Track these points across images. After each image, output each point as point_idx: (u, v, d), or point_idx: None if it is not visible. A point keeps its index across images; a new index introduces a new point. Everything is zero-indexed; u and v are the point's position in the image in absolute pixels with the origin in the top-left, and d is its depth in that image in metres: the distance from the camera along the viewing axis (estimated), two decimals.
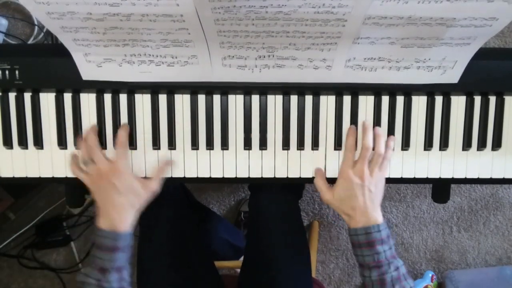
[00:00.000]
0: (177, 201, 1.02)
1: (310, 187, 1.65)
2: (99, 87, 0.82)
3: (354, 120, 0.84)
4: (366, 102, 0.84)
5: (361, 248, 0.76)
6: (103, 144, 0.83)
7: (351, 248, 0.80)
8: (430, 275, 1.64)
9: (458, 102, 0.85)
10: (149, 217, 0.98)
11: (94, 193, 0.79)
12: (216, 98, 0.83)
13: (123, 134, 0.81)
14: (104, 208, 0.77)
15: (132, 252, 0.79)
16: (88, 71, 0.78)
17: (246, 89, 0.83)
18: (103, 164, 0.78)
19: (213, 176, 0.85)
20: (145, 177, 0.84)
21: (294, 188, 1.10)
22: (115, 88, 0.82)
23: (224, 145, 0.84)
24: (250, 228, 1.06)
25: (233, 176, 0.85)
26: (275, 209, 0.98)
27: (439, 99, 0.84)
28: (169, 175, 0.85)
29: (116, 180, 0.76)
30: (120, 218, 0.76)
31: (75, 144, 0.83)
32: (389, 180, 0.86)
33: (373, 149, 0.81)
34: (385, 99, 0.84)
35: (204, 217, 1.30)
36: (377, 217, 0.77)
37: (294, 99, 0.84)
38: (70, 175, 0.84)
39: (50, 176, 0.85)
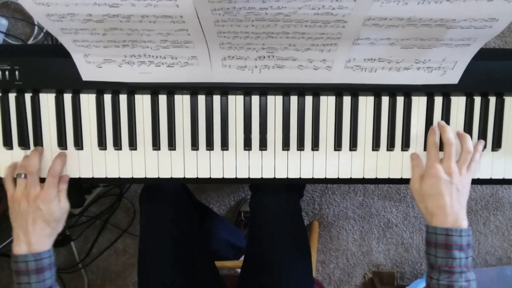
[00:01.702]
0: (179, 201, 1.02)
1: (310, 187, 1.65)
2: (99, 88, 0.82)
3: (354, 120, 0.84)
4: (366, 103, 0.84)
5: (437, 248, 0.74)
6: (103, 145, 0.83)
7: (425, 245, 0.77)
8: None
9: (458, 103, 0.85)
10: (150, 216, 0.98)
11: (13, 213, 0.79)
12: (216, 99, 0.83)
13: (58, 162, 0.81)
14: (23, 232, 0.77)
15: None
16: (88, 72, 0.78)
17: (246, 89, 0.83)
18: (34, 188, 0.77)
19: (213, 176, 0.85)
20: (145, 178, 0.85)
21: (295, 187, 1.10)
22: (115, 88, 0.82)
23: (224, 145, 0.84)
24: (251, 227, 1.06)
25: (233, 176, 0.85)
26: (276, 208, 0.98)
27: (439, 100, 0.84)
28: (168, 176, 0.85)
29: (44, 207, 0.77)
30: (39, 242, 0.77)
31: (75, 144, 0.83)
32: (389, 181, 0.86)
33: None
34: (385, 100, 0.84)
35: (205, 217, 1.30)
36: (462, 220, 0.74)
37: (294, 99, 0.84)
38: (70, 175, 0.84)
39: None
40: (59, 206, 0.79)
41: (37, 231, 0.77)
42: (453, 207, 0.75)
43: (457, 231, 0.73)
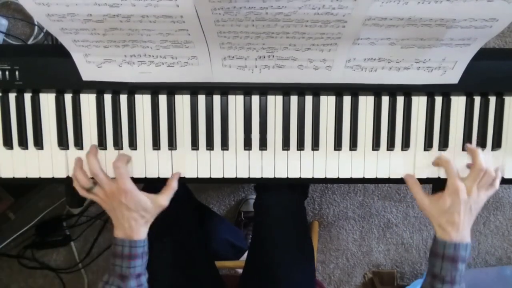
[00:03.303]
0: (180, 200, 1.02)
1: (310, 187, 1.65)
2: (99, 88, 0.82)
3: (354, 120, 0.84)
4: (366, 103, 0.84)
5: (444, 261, 0.77)
6: (103, 145, 0.83)
7: (429, 256, 0.81)
8: None
9: (458, 103, 0.85)
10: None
11: (106, 209, 0.81)
12: (216, 99, 0.83)
13: (117, 154, 0.81)
14: (119, 223, 0.79)
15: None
16: (88, 72, 0.78)
17: (246, 89, 0.83)
18: (108, 186, 0.78)
19: (213, 176, 0.86)
20: (145, 178, 0.85)
21: (300, 187, 1.10)
22: (115, 88, 0.82)
23: (224, 145, 0.84)
24: (255, 228, 1.06)
25: (233, 176, 0.85)
26: (280, 210, 0.98)
27: (439, 100, 0.84)
28: (168, 175, 0.85)
29: (124, 200, 0.77)
30: (133, 229, 0.78)
31: (76, 144, 0.83)
32: (389, 180, 0.87)
33: None
34: (385, 100, 0.84)
35: (205, 217, 1.30)
36: (468, 235, 0.79)
37: (294, 99, 0.84)
38: (70, 175, 0.84)
39: (50, 176, 0.85)
40: (140, 194, 0.79)
41: (129, 223, 0.78)
42: (464, 225, 0.78)
43: (463, 246, 0.77)
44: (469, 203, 0.78)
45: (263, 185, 1.06)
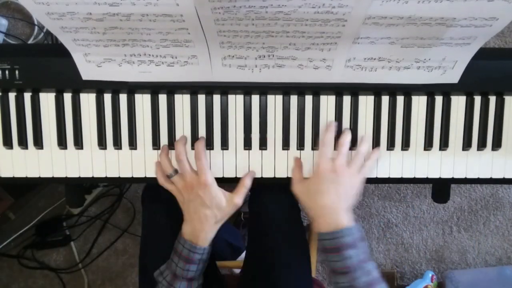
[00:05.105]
0: None
1: None
2: (99, 87, 0.82)
3: (354, 120, 0.84)
4: (366, 102, 0.84)
5: (328, 253, 0.73)
6: (103, 145, 0.83)
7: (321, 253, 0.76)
8: (430, 275, 1.64)
9: (458, 102, 0.85)
10: (153, 214, 0.97)
11: (180, 202, 0.80)
12: (216, 98, 0.83)
13: (200, 146, 0.80)
14: (189, 218, 0.79)
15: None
16: (88, 71, 0.78)
17: (246, 89, 0.83)
18: (190, 177, 0.78)
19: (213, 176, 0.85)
20: (145, 177, 0.85)
21: None
22: (115, 88, 0.82)
23: (224, 145, 0.84)
24: (251, 229, 1.06)
25: (233, 176, 0.85)
26: (276, 209, 0.98)
27: (439, 99, 0.84)
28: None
29: (203, 193, 0.77)
30: (201, 231, 0.78)
31: (75, 144, 0.83)
32: (389, 180, 0.86)
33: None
34: (385, 99, 0.84)
35: None
36: (344, 220, 0.74)
37: (294, 99, 0.84)
38: (70, 175, 0.84)
39: (50, 176, 0.85)
40: (218, 190, 0.78)
41: (200, 219, 0.77)
42: (338, 208, 0.74)
43: (339, 232, 0.72)
44: (339, 182, 0.75)
45: (258, 185, 1.05)
